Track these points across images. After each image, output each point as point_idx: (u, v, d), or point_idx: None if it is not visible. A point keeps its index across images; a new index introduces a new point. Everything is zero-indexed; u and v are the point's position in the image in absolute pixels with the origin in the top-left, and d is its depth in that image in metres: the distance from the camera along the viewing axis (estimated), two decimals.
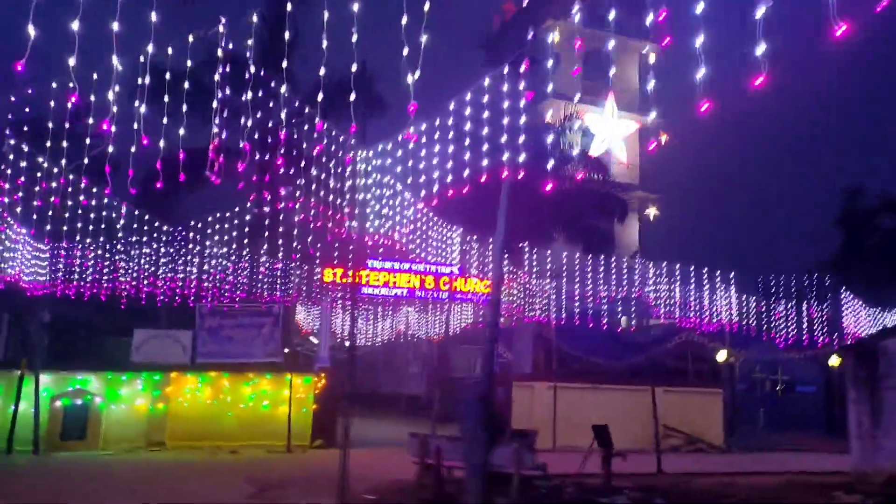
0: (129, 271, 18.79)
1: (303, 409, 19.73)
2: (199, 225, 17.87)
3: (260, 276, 20.05)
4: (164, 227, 17.67)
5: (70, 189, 13.44)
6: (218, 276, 19.32)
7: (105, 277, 18.61)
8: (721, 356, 24.23)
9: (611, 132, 35.41)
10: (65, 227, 14.52)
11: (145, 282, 18.89)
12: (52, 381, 18.25)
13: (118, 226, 15.87)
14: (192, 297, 19.53)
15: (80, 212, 14.41)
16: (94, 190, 14.09)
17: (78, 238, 15.48)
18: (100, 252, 18.00)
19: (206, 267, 18.87)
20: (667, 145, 36.29)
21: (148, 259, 18.58)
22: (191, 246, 18.39)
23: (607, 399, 22.38)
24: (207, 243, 17.96)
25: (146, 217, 17.04)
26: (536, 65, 13.06)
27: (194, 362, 19.76)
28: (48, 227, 14.04)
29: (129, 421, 18.87)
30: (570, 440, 19.87)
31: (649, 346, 28.00)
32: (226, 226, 17.98)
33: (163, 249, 18.25)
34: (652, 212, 35.76)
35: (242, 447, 18.81)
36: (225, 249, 18.41)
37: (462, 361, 35.21)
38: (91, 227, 15.00)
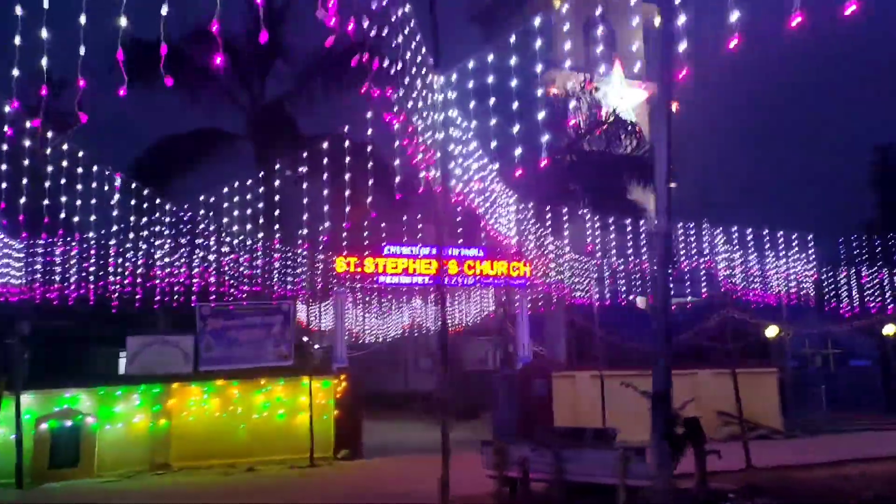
0: (121, 269, 16.26)
1: (323, 416, 17.49)
2: (211, 199, 15.29)
3: (268, 268, 17.62)
4: (166, 206, 15.17)
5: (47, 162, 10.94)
6: (223, 269, 16.87)
7: (92, 278, 16.07)
8: (771, 332, 22.23)
9: (619, 102, 33.30)
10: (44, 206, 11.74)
11: (138, 279, 16.37)
12: (36, 402, 15.83)
13: (112, 201, 13.30)
14: (196, 295, 17.05)
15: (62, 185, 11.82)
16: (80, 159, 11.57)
17: (51, 226, 12.63)
18: (85, 246, 15.41)
19: (210, 257, 16.39)
20: (678, 114, 34.44)
21: (142, 253, 16.06)
22: (202, 228, 15.85)
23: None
24: (221, 223, 15.43)
25: (145, 194, 14.48)
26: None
27: (198, 370, 17.43)
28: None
29: (127, 442, 16.46)
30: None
31: (683, 325, 26.01)
32: (226, 203, 15.44)
33: (158, 241, 15.72)
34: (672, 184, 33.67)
35: (259, 464, 16.52)
36: (235, 229, 15.91)
37: (474, 355, 33.09)
38: (77, 217, 12.44)
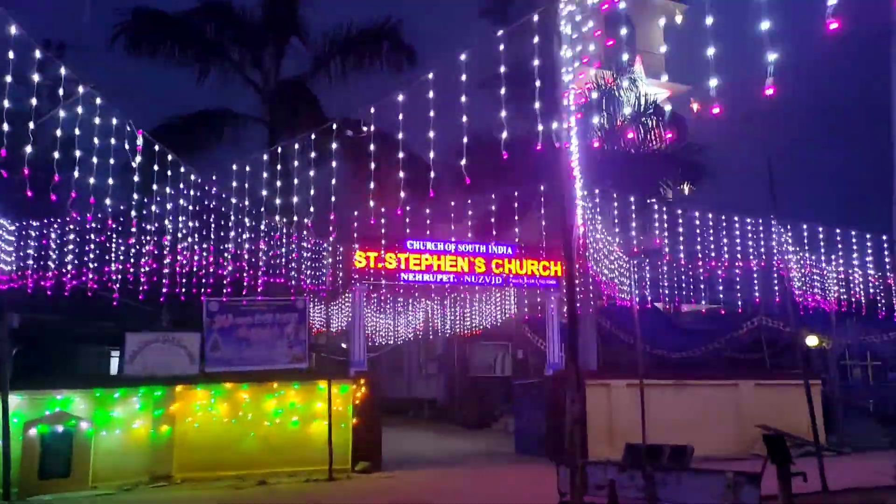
0: (123, 257, 14.61)
1: (340, 424, 15.95)
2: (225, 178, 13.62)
3: (291, 260, 16.03)
4: (191, 173, 13.45)
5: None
6: (241, 256, 15.27)
7: (94, 265, 14.40)
8: (811, 341, 20.86)
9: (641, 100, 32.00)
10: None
11: (144, 269, 14.73)
12: (25, 404, 14.26)
13: (134, 168, 11.61)
14: (211, 287, 15.42)
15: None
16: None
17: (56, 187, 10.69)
18: (87, 228, 13.74)
19: (229, 245, 14.77)
20: (699, 115, 33.16)
21: (149, 241, 14.41)
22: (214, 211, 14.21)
23: (691, 397, 19.05)
24: (237, 201, 13.76)
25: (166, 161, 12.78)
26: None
27: (204, 372, 15.87)
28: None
29: (125, 450, 14.87)
30: None
31: (710, 332, 24.67)
32: (237, 185, 13.66)
33: (171, 226, 14.07)
34: (686, 187, 32.39)
35: (271, 476, 14.94)
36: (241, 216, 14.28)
37: (482, 361, 31.61)
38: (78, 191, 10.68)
